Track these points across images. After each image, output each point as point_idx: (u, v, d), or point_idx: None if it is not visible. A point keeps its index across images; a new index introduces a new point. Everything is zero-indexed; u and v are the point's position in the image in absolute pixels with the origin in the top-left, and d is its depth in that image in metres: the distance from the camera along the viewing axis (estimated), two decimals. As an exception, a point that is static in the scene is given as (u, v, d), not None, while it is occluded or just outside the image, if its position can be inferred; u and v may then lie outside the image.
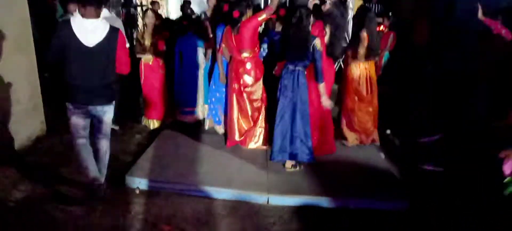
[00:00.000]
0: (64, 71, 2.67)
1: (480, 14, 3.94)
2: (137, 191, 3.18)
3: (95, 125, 2.89)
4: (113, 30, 2.71)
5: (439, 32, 6.24)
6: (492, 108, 3.87)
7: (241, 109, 3.96)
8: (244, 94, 3.90)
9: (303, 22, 3.28)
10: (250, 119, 3.98)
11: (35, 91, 4.08)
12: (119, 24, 4.79)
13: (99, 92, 2.74)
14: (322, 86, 3.38)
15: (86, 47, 2.60)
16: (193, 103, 4.67)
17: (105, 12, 4.54)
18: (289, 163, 3.55)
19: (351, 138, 4.17)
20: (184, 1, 7.42)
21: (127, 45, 3.77)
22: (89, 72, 2.66)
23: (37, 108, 4.11)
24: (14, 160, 3.54)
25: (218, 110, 4.38)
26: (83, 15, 2.60)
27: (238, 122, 3.99)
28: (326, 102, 3.45)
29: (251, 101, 3.93)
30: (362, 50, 3.87)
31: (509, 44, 3.85)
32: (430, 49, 6.00)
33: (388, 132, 4.65)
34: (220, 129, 4.42)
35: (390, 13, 6.57)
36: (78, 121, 2.78)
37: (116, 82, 3.02)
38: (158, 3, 7.51)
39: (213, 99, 4.37)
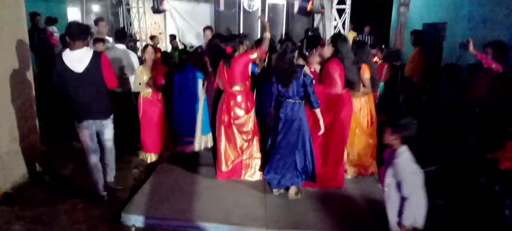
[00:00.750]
0: (65, 96, 3.26)
1: (471, 47, 4.03)
2: (133, 229, 3.13)
3: (100, 137, 3.51)
4: (96, 55, 3.27)
5: (432, 64, 6.38)
6: (485, 139, 3.89)
7: (229, 141, 3.99)
8: (233, 127, 3.93)
9: (287, 55, 3.40)
10: (239, 150, 4.00)
11: (33, 128, 4.08)
12: (134, 57, 4.96)
13: (96, 108, 3.34)
14: (318, 111, 3.47)
15: (76, 73, 3.18)
16: (192, 133, 4.70)
17: (121, 46, 5.10)
18: (292, 190, 3.59)
19: (351, 170, 4.16)
20: (170, 35, 7.64)
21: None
22: (83, 92, 3.23)
23: (34, 145, 4.10)
24: (9, 198, 3.50)
25: None
26: (71, 48, 3.20)
27: (225, 152, 4.00)
28: (322, 128, 3.54)
29: (241, 133, 3.97)
30: (365, 82, 3.92)
31: (499, 76, 3.94)
32: (424, 80, 6.11)
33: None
34: None
35: (383, 45, 6.74)
36: (85, 133, 3.38)
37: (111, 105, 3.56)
38: (157, 37, 7.69)
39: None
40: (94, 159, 3.48)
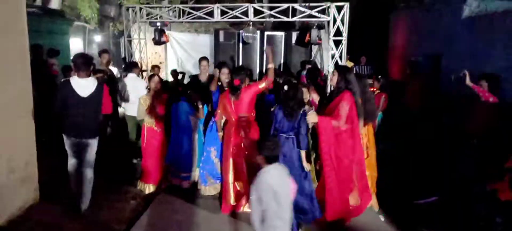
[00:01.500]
0: (63, 117, 3.74)
1: (468, 80, 4.11)
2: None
3: (82, 155, 3.86)
4: (99, 85, 3.87)
5: (430, 94, 6.47)
6: (482, 170, 3.90)
7: (237, 172, 3.96)
8: (240, 158, 3.91)
9: (291, 93, 3.48)
10: (247, 182, 3.95)
11: (31, 159, 4.06)
12: (141, 84, 5.27)
13: (87, 128, 3.82)
14: (303, 153, 3.55)
15: (81, 97, 3.71)
16: (189, 168, 4.66)
17: (132, 75, 5.55)
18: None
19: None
20: (171, 71, 7.79)
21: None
22: (82, 114, 3.75)
23: (32, 177, 4.07)
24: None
25: (205, 173, 4.45)
26: (78, 76, 3.74)
27: (234, 185, 3.97)
28: (307, 167, 3.60)
29: (249, 163, 3.92)
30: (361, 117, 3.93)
31: (495, 107, 4.00)
32: (423, 111, 6.17)
33: (382, 218, 4.49)
34: (206, 190, 4.44)
35: (380, 76, 6.84)
36: (71, 146, 3.84)
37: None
38: (158, 67, 7.82)
39: (202, 158, 4.48)
40: (72, 167, 3.93)
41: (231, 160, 3.96)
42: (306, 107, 3.68)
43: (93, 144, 3.92)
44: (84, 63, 3.74)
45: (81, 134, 3.80)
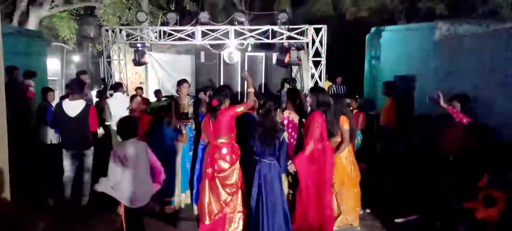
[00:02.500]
0: (61, 134, 4.83)
1: (441, 101, 4.28)
2: None
3: (81, 164, 4.66)
4: (87, 106, 4.58)
5: (405, 113, 6.68)
6: (459, 188, 4.03)
7: (213, 193, 3.93)
8: (217, 180, 3.89)
9: (271, 114, 3.55)
10: (222, 203, 3.92)
11: (4, 186, 3.89)
12: (126, 101, 5.54)
13: (80, 142, 4.59)
14: (284, 176, 3.78)
15: (69, 117, 4.46)
16: (171, 192, 4.59)
17: (118, 94, 5.98)
18: None
19: (339, 220, 4.16)
20: (155, 91, 7.78)
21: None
22: (72, 130, 4.52)
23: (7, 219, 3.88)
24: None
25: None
26: (70, 99, 4.54)
27: (209, 206, 3.94)
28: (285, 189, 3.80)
29: (224, 186, 3.91)
30: (344, 134, 4.04)
31: (469, 127, 4.16)
32: (399, 130, 6.35)
33: (368, 210, 4.68)
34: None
35: (357, 96, 7.03)
36: (68, 158, 4.60)
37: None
38: (141, 88, 7.77)
39: (197, 182, 4.43)
40: (68, 179, 4.65)
41: (206, 181, 3.95)
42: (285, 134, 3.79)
43: (89, 154, 4.71)
44: (77, 88, 4.58)
45: (76, 147, 4.60)
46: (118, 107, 5.56)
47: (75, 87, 4.55)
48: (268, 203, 3.59)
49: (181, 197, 4.67)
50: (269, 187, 3.57)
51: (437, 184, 4.57)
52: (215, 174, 3.90)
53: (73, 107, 4.47)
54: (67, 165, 4.64)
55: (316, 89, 4.07)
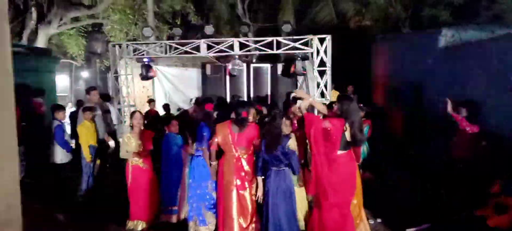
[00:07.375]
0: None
1: (449, 108, 4.25)
2: None
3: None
4: None
5: (413, 121, 6.64)
6: (470, 195, 3.98)
7: (241, 206, 3.83)
8: (247, 190, 3.85)
9: (277, 121, 3.54)
10: (249, 217, 3.86)
11: (14, 202, 3.94)
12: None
13: None
14: (298, 177, 3.75)
15: None
16: (176, 201, 4.59)
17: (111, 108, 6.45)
18: None
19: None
20: (163, 105, 7.88)
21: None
22: None
23: (15, 220, 3.93)
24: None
25: (201, 209, 4.23)
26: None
27: (238, 221, 3.81)
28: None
29: (251, 197, 3.88)
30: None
31: (476, 135, 4.13)
32: (407, 137, 6.31)
33: (379, 220, 4.63)
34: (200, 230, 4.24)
35: (361, 104, 7.01)
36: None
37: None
38: (154, 101, 7.90)
39: (194, 197, 4.26)
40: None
41: (234, 193, 3.83)
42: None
43: None
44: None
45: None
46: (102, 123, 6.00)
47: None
48: (278, 208, 3.59)
49: (187, 207, 4.62)
50: (280, 191, 3.55)
51: (448, 192, 4.52)
52: (246, 184, 3.85)
53: None
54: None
55: (342, 98, 4.01)
